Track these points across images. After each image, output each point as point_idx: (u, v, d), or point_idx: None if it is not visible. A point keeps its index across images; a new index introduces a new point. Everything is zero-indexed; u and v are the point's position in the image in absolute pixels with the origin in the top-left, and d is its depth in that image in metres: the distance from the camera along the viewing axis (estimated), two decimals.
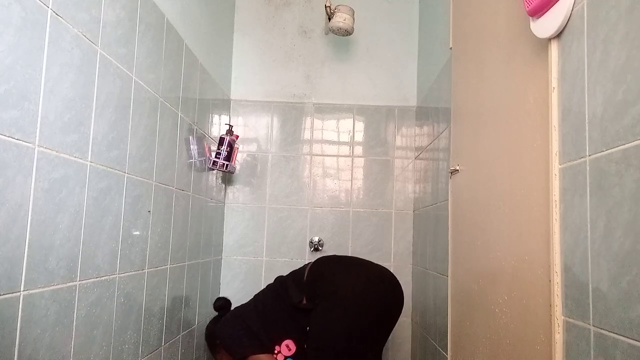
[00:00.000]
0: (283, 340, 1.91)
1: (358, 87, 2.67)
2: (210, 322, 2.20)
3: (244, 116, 2.65)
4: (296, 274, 2.02)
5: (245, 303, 2.11)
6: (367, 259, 2.52)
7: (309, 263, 2.04)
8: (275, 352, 1.92)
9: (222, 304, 2.25)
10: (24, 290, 0.92)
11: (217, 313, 2.24)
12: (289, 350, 1.90)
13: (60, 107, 1.02)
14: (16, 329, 0.90)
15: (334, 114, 2.67)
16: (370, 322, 1.80)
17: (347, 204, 2.61)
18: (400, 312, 1.95)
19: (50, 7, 0.98)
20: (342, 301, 1.80)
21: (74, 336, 1.10)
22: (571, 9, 0.93)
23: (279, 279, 2.08)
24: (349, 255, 2.54)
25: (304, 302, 1.88)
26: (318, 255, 2.54)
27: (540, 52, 1.04)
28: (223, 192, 2.55)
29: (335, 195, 2.62)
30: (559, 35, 0.98)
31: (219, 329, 2.04)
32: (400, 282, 2.64)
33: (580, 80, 0.89)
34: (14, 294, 0.90)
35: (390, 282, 1.95)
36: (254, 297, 2.10)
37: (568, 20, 0.94)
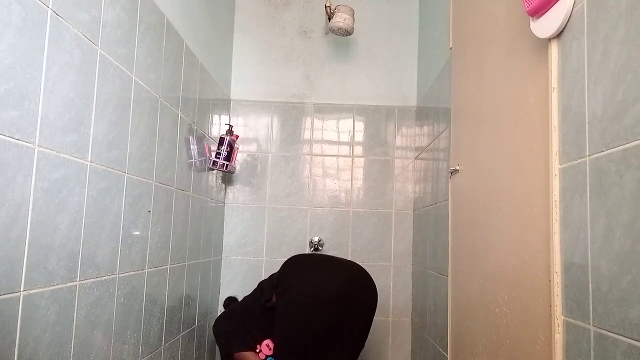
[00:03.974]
0: (263, 340, 1.96)
1: (358, 87, 2.67)
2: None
3: (244, 116, 2.65)
4: (273, 275, 2.08)
5: (238, 303, 2.20)
6: (367, 259, 2.54)
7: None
8: (257, 350, 1.98)
9: (229, 303, 2.34)
10: (24, 290, 0.92)
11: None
12: (269, 349, 1.94)
13: (60, 107, 1.02)
14: (16, 329, 0.90)
15: (334, 114, 2.66)
16: (324, 321, 1.81)
17: (347, 204, 2.61)
18: (371, 312, 1.95)
19: (50, 7, 0.98)
20: (294, 299, 1.85)
21: (74, 336, 1.10)
22: (571, 9, 0.93)
23: (260, 282, 2.15)
24: (349, 256, 2.55)
25: (273, 299, 1.93)
26: None
27: (540, 52, 1.04)
28: (223, 192, 2.55)
29: (335, 195, 2.62)
30: (559, 35, 0.98)
31: (214, 326, 2.12)
32: (400, 282, 2.63)
33: (580, 80, 0.89)
34: (14, 294, 0.90)
35: (358, 282, 1.96)
36: (243, 298, 2.16)
37: (568, 20, 0.94)
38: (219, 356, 2.40)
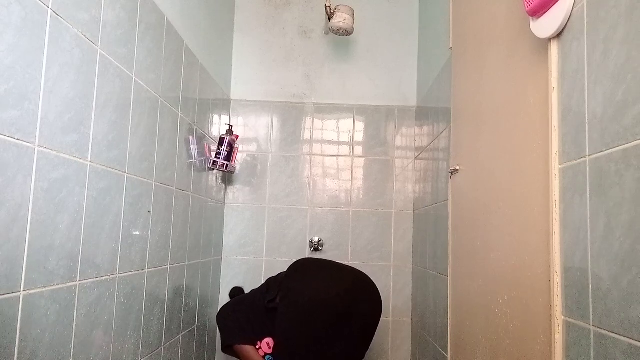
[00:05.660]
0: (264, 338, 1.97)
1: (358, 87, 2.67)
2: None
3: (244, 116, 2.65)
4: (281, 274, 2.09)
5: (245, 295, 2.22)
6: (367, 259, 2.55)
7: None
8: (257, 347, 1.98)
9: (235, 294, 2.33)
10: (24, 290, 0.92)
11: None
12: (269, 347, 1.95)
13: (60, 107, 1.02)
14: (16, 329, 0.90)
15: (334, 114, 2.66)
16: (324, 321, 1.81)
17: (347, 204, 2.61)
18: (373, 317, 1.95)
19: (50, 7, 0.98)
20: (296, 301, 1.86)
21: (74, 336, 1.10)
22: (571, 9, 0.93)
23: (268, 279, 2.16)
24: (349, 256, 2.55)
25: (278, 300, 1.93)
26: (317, 255, 2.55)
27: (540, 52, 1.04)
28: (223, 192, 2.55)
29: (335, 195, 2.62)
30: (559, 35, 0.98)
31: (217, 315, 2.13)
32: (400, 282, 2.63)
33: (580, 80, 0.89)
34: (14, 294, 0.90)
35: (359, 286, 1.96)
36: (251, 291, 2.17)
37: (568, 20, 0.94)
38: (219, 354, 2.41)
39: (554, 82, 0.98)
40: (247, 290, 2.39)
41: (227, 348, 2.04)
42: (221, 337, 2.09)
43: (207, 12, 2.16)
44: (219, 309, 2.33)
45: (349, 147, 2.65)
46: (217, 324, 2.11)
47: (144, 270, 1.51)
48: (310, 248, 2.57)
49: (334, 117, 2.66)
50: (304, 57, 2.69)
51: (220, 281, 2.55)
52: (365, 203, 2.61)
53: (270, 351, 1.94)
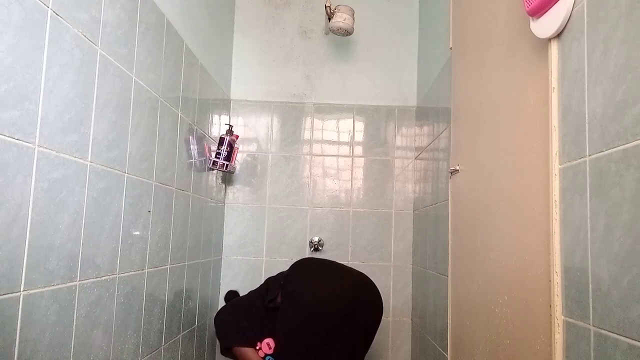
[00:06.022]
0: (264, 338, 1.97)
1: (358, 87, 2.67)
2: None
3: (244, 116, 2.65)
4: (281, 273, 2.09)
5: (242, 296, 2.21)
6: (367, 259, 2.54)
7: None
8: (257, 348, 1.98)
9: (230, 297, 2.33)
10: (24, 290, 0.92)
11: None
12: (269, 348, 1.95)
13: (60, 107, 1.02)
14: (16, 329, 0.90)
15: (334, 114, 2.66)
16: (324, 321, 1.81)
17: (347, 204, 2.61)
18: (373, 318, 1.95)
19: (50, 7, 0.98)
20: (297, 300, 1.87)
21: (74, 336, 1.10)
22: (571, 9, 0.93)
23: (267, 278, 2.16)
24: (349, 256, 2.55)
25: (278, 299, 1.93)
26: (317, 255, 2.55)
27: (540, 52, 1.04)
28: (223, 192, 2.55)
29: (335, 195, 2.62)
30: (559, 35, 0.98)
31: (215, 318, 2.13)
32: (400, 282, 2.63)
33: (580, 80, 0.89)
34: (14, 294, 0.90)
35: (361, 287, 1.96)
36: (249, 292, 2.17)
37: (568, 20, 0.94)
38: (219, 354, 2.40)
39: (554, 82, 0.98)
40: (242, 294, 2.38)
41: (226, 351, 2.03)
42: (219, 340, 2.08)
43: (207, 12, 2.16)
44: (218, 310, 2.34)
45: (349, 147, 2.65)
46: (215, 327, 2.10)
47: (144, 270, 1.51)
48: (310, 248, 2.57)
49: (334, 117, 2.66)
50: (304, 57, 2.69)
51: (220, 281, 2.55)
52: (365, 203, 2.61)
53: (270, 351, 1.94)
